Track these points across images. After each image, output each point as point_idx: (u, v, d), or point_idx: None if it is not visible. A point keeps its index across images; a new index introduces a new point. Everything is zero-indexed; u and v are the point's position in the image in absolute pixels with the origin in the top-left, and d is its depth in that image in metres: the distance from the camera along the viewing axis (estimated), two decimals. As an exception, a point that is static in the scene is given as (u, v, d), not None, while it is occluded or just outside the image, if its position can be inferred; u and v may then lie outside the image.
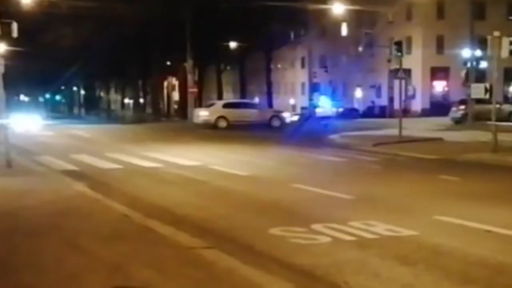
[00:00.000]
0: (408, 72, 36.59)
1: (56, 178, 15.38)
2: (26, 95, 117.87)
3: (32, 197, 12.09)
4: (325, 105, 60.81)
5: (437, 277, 7.16)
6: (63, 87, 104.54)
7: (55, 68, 75.28)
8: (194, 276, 6.64)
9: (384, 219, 10.09)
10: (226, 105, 43.26)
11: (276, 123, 41.44)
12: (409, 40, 57.84)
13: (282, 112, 46.34)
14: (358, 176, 16.80)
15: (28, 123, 42.28)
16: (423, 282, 6.94)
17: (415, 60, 58.08)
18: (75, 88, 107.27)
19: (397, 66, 30.86)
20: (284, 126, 41.03)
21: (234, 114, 41.02)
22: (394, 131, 29.03)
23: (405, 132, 28.38)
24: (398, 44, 31.97)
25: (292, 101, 79.07)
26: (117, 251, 7.77)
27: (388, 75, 55.78)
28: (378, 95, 65.70)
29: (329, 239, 8.91)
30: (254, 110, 43.26)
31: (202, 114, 42.28)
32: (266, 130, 37.41)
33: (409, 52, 53.13)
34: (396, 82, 31.66)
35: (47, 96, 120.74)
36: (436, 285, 6.85)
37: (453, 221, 10.08)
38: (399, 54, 30.95)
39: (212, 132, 37.54)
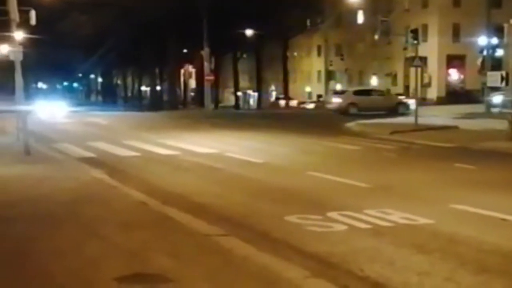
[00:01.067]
0: (424, 60, 36.49)
1: (75, 165, 15.49)
2: (44, 82, 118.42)
3: (51, 184, 12.19)
4: None
5: (452, 265, 7.17)
6: (80, 75, 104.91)
7: (73, 56, 75.57)
8: (211, 263, 6.68)
9: (400, 207, 10.10)
10: (356, 92, 44.78)
11: (402, 109, 42.07)
12: (425, 28, 57.52)
13: (405, 99, 46.91)
14: (374, 164, 16.80)
15: (53, 110, 42.55)
16: (439, 271, 6.95)
17: (431, 48, 57.79)
18: (92, 76, 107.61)
19: (413, 54, 30.79)
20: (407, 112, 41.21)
21: (364, 100, 42.35)
22: (410, 119, 28.97)
23: (421, 120, 28.33)
24: (414, 32, 31.87)
25: (308, 89, 78.91)
26: (135, 238, 7.82)
27: (404, 63, 55.64)
28: (394, 83, 65.42)
29: (345, 227, 8.94)
30: (381, 97, 44.75)
31: (335, 101, 44.41)
32: (392, 115, 37.71)
33: (425, 40, 52.89)
34: (412, 70, 31.56)
35: (65, 83, 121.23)
36: (451, 274, 6.84)
37: (469, 209, 10.07)
38: (415, 42, 30.85)
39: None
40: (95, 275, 6.27)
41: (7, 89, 55.05)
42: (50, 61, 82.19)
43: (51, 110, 41.05)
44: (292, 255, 7.36)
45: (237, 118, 39.16)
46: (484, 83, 34.84)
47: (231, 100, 74.35)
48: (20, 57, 18.73)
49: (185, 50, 69.40)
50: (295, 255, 7.43)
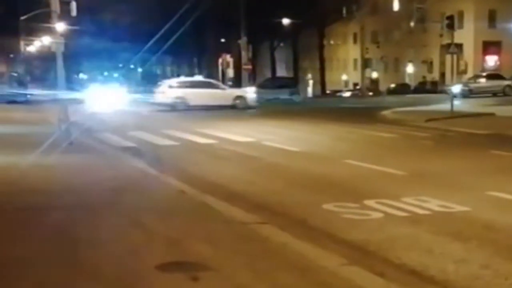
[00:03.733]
0: (460, 46, 36.16)
1: (115, 155, 15.68)
2: (85, 73, 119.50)
3: (92, 173, 12.37)
4: None
5: (489, 252, 7.19)
6: (120, 65, 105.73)
7: (113, 46, 76.16)
8: (249, 251, 6.77)
9: (436, 195, 10.11)
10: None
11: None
12: (461, 14, 56.89)
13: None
14: (410, 152, 16.78)
15: (111, 98, 41.92)
16: (476, 258, 6.97)
17: (467, 35, 57.12)
18: (132, 66, 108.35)
19: (449, 41, 30.51)
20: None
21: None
22: (446, 107, 28.77)
23: (456, 107, 28.14)
24: (450, 18, 31.57)
25: (344, 77, 78.59)
26: (174, 226, 7.92)
27: (439, 50, 55.17)
28: (430, 70, 64.84)
29: (381, 214, 8.99)
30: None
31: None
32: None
33: (461, 27, 52.26)
34: (448, 57, 31.31)
35: (105, 74, 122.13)
36: (488, 261, 6.86)
37: (505, 196, 10.05)
38: (450, 28, 30.58)
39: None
40: (136, 263, 6.37)
41: (51, 79, 55.63)
42: (91, 52, 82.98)
43: (107, 98, 40.49)
44: (329, 243, 7.43)
45: (274, 107, 39.16)
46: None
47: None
48: (61, 48, 19.03)
49: (222, 40, 69.59)
50: (331, 243, 7.50)
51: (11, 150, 16.32)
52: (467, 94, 42.20)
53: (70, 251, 6.88)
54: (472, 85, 46.46)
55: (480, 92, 45.05)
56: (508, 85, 47.74)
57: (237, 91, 41.65)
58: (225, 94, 39.43)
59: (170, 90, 38.97)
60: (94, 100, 40.99)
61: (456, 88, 37.67)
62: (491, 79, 48.76)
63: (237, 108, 37.33)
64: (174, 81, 43.68)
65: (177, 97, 37.85)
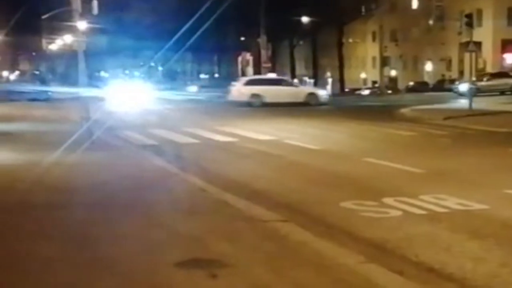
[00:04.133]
0: (478, 44, 36.02)
1: (136, 153, 15.80)
2: (106, 71, 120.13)
3: (113, 171, 12.50)
4: None
5: (507, 251, 7.21)
6: (141, 63, 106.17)
7: (134, 44, 76.59)
8: (268, 248, 6.82)
9: (454, 192, 10.12)
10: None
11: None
12: (479, 12, 56.52)
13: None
14: (428, 150, 16.79)
15: (135, 95, 42.02)
16: (494, 256, 6.99)
17: (486, 33, 56.75)
18: (152, 64, 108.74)
19: (468, 39, 30.40)
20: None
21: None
22: (465, 105, 28.67)
23: (475, 105, 28.02)
24: (469, 16, 31.52)
25: (363, 75, 78.41)
26: (194, 224, 7.99)
27: (458, 48, 54.89)
28: (449, 68, 64.51)
29: (400, 213, 9.03)
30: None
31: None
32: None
33: (479, 25, 51.99)
34: (467, 55, 31.21)
35: (126, 72, 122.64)
36: (506, 259, 6.89)
37: (524, 194, 10.04)
38: (469, 26, 30.47)
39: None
40: (156, 260, 6.44)
41: (73, 77, 55.88)
42: (112, 50, 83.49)
43: (130, 95, 40.60)
44: (348, 241, 7.48)
45: (294, 105, 39.20)
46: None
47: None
48: (83, 46, 19.20)
49: (242, 38, 69.74)
50: (350, 240, 7.55)
51: (34, 148, 16.50)
52: (475, 92, 42.15)
53: (91, 247, 6.98)
54: (480, 84, 46.35)
55: (488, 91, 44.90)
56: None
57: (309, 89, 42.76)
58: (298, 91, 40.44)
59: (246, 87, 39.78)
60: (117, 98, 41.00)
61: (464, 87, 37.66)
62: (497, 78, 48.68)
63: (310, 105, 37.83)
64: (248, 79, 44.59)
65: (253, 95, 38.61)
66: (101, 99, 34.65)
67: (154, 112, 33.25)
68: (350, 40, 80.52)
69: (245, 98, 38.41)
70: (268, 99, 37.89)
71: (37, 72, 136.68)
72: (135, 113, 32.90)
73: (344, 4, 63.67)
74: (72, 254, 6.73)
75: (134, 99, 40.85)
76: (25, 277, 6.02)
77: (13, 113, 31.69)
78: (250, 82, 40.99)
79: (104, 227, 7.94)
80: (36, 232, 7.77)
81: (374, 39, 75.59)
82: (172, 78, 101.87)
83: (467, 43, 30.53)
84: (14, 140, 18.61)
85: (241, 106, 36.82)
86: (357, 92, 66.22)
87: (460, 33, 39.06)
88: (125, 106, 36.43)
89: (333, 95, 68.20)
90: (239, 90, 39.78)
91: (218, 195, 9.99)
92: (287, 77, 48.14)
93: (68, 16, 20.90)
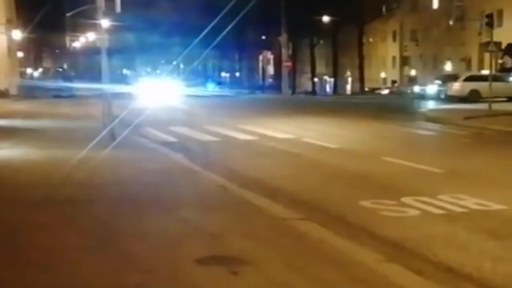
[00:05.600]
0: (498, 45, 35.81)
1: (158, 150, 15.88)
2: (128, 69, 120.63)
3: (134, 168, 12.59)
4: None
5: (526, 251, 7.23)
6: (163, 61, 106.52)
7: (157, 42, 76.79)
8: (288, 246, 6.88)
9: (473, 192, 10.14)
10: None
11: None
12: (500, 12, 55.95)
13: None
14: (447, 150, 16.81)
15: (164, 92, 41.89)
16: (512, 256, 7.01)
17: (506, 33, 56.31)
18: (174, 62, 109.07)
19: (488, 39, 30.27)
20: None
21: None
22: (484, 105, 28.58)
23: (496, 106, 27.91)
24: (489, 17, 31.35)
25: (382, 75, 78.11)
26: (214, 220, 8.06)
27: (478, 48, 54.50)
28: (468, 68, 64.10)
29: (418, 212, 9.06)
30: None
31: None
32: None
33: (500, 25, 51.51)
34: (487, 55, 31.11)
35: (148, 70, 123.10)
36: (525, 259, 6.91)
37: (543, 195, 10.03)
38: (490, 27, 30.34)
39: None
40: (176, 256, 6.52)
41: (96, 74, 56.08)
42: (135, 48, 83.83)
43: (159, 93, 40.54)
44: (366, 240, 7.53)
45: (314, 104, 39.24)
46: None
47: (308, 86, 74.26)
48: (106, 44, 19.33)
49: (263, 37, 69.79)
50: (369, 239, 7.59)
51: (59, 145, 16.70)
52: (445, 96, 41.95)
53: (110, 243, 7.07)
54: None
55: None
56: None
57: None
58: None
59: (466, 83, 40.64)
60: (144, 95, 41.00)
61: (431, 89, 37.78)
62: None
63: None
64: (467, 75, 44.74)
65: (472, 90, 39.27)
66: (124, 96, 34.77)
67: (172, 109, 33.27)
68: (371, 40, 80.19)
69: (465, 94, 39.36)
70: (484, 94, 37.14)
71: (60, 69, 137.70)
72: (158, 110, 32.93)
73: (365, 4, 63.47)
74: (93, 249, 6.82)
75: (165, 96, 40.75)
76: (53, 271, 6.11)
77: (38, 110, 32.03)
78: (471, 79, 41.63)
79: (127, 222, 8.05)
80: (62, 227, 7.90)
81: (394, 39, 75.34)
82: (194, 75, 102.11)
83: (487, 43, 30.41)
84: (40, 137, 18.78)
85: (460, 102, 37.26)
86: (377, 91, 66.03)
87: (480, 33, 38.84)
88: (152, 102, 36.45)
89: (352, 94, 68.28)
90: (460, 85, 40.76)
91: (238, 192, 10.07)
92: (505, 74, 48.14)
93: (91, 14, 21.02)
